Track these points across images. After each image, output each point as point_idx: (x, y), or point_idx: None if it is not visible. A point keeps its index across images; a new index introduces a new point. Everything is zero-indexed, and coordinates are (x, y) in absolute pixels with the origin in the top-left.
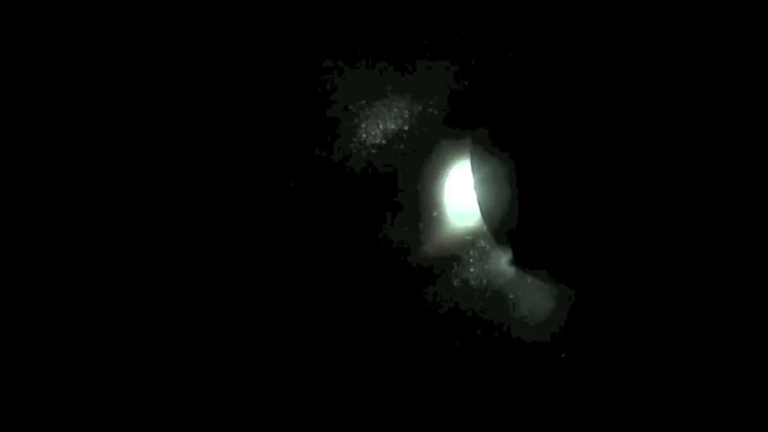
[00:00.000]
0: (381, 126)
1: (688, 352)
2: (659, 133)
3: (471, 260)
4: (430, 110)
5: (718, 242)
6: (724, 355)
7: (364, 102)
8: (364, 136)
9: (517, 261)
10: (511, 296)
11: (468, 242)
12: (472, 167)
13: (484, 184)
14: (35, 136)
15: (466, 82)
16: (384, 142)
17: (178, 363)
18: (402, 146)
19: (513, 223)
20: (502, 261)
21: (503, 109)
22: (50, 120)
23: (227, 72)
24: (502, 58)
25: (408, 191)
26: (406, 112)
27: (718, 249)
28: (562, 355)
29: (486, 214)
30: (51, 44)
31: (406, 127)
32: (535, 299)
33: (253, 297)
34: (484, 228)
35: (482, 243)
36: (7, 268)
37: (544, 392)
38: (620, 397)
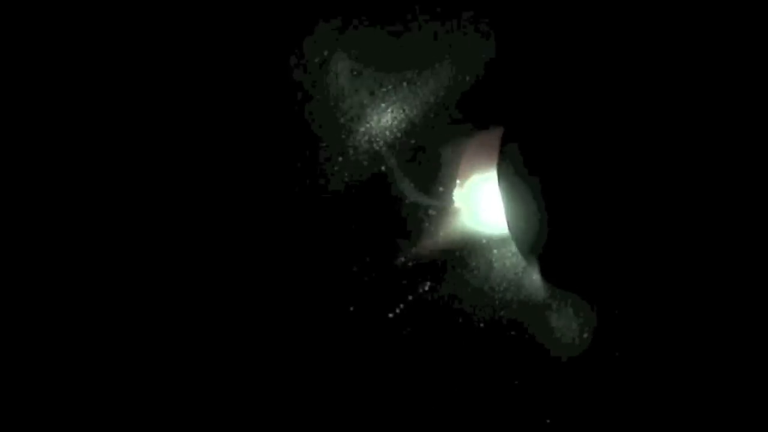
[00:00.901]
0: (410, 138)
1: (713, 372)
2: (692, 154)
3: (497, 275)
4: (458, 125)
5: (753, 257)
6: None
7: (392, 115)
8: (390, 148)
9: (545, 277)
10: (538, 312)
11: (494, 257)
12: (500, 182)
13: (512, 199)
14: (35, 136)
15: (498, 97)
16: (411, 156)
17: (175, 362)
18: (430, 161)
19: (541, 238)
20: (530, 276)
21: (533, 126)
22: (48, 120)
23: (227, 77)
24: (538, 72)
25: (434, 206)
26: (436, 125)
27: (753, 264)
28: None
29: (514, 229)
30: (50, 44)
31: (435, 142)
32: (563, 315)
33: (261, 294)
34: (512, 243)
35: (510, 258)
36: (6, 268)
37: (566, 409)
38: (642, 413)
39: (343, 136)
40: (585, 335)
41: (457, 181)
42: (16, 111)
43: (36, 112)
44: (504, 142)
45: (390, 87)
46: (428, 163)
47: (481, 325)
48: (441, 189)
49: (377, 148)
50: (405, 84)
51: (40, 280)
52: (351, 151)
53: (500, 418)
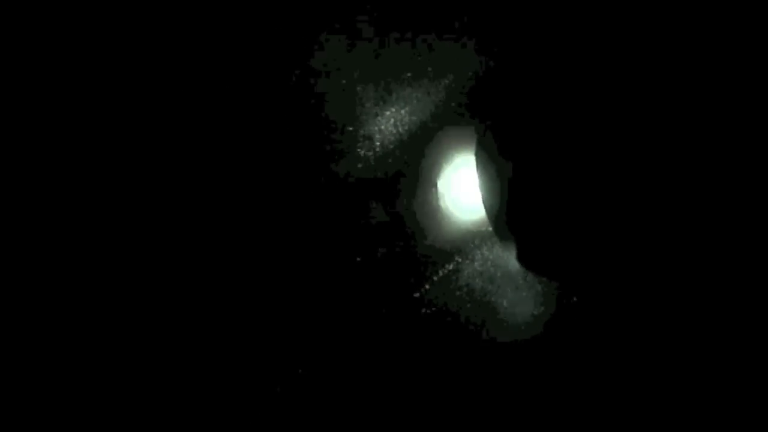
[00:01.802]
0: (387, 124)
1: (691, 353)
2: (662, 134)
3: (475, 257)
4: (436, 110)
5: (724, 239)
6: (726, 356)
7: (371, 101)
8: (370, 134)
9: (521, 258)
10: (513, 293)
11: (472, 239)
12: (477, 166)
13: (488, 182)
14: (35, 136)
15: (475, 82)
16: (389, 140)
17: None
18: (408, 145)
19: (517, 221)
20: (506, 258)
21: (509, 109)
22: (45, 121)
23: (225, 78)
24: (510, 60)
25: (414, 189)
26: (414, 110)
27: (724, 247)
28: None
29: (490, 212)
30: (50, 44)
31: (412, 127)
32: (537, 296)
33: (255, 293)
34: (488, 225)
35: (486, 240)
36: (7, 268)
37: (540, 388)
38: (620, 396)
39: (328, 147)
40: (557, 318)
41: (447, 180)
42: (15, 111)
43: (36, 112)
44: (480, 134)
45: (372, 100)
46: (412, 171)
47: (461, 311)
48: (429, 192)
49: (361, 157)
50: (389, 96)
51: (40, 279)
52: (336, 162)
53: (465, 402)
